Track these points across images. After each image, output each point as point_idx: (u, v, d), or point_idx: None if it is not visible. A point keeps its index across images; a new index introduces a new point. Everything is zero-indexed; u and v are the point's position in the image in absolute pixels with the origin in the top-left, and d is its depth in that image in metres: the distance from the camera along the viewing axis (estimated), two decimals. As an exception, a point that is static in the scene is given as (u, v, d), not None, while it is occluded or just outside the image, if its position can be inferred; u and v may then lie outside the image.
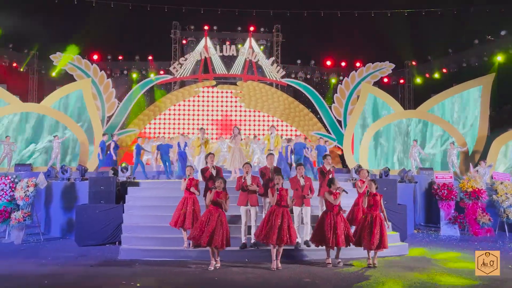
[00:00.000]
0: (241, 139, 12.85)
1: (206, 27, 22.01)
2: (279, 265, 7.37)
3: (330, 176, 8.48)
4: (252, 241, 8.18)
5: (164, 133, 20.20)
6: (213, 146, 15.61)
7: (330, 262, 7.59)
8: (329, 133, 20.55)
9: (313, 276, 6.91)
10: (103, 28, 20.40)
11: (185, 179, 8.35)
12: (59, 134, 16.31)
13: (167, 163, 13.28)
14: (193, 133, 19.96)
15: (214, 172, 8.48)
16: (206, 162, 8.79)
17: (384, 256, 7.98)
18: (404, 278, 6.82)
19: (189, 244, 8.07)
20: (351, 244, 7.61)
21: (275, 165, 8.93)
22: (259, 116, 21.59)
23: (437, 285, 6.48)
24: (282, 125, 21.54)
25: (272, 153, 9.31)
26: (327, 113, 20.89)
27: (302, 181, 8.14)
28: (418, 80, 22.29)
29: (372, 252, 7.61)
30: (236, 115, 21.50)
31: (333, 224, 7.42)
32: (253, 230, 8.13)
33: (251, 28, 22.21)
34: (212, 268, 7.23)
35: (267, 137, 13.27)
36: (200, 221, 7.30)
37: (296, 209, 8.12)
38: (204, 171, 8.65)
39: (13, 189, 9.97)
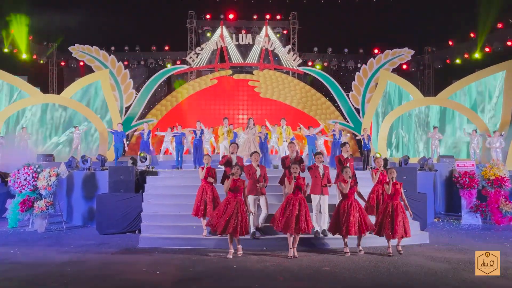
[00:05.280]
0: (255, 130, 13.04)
1: (222, 16, 21.89)
2: (296, 253, 7.37)
3: (348, 164, 8.40)
4: (260, 226, 8.19)
5: (180, 124, 20.28)
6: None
7: (348, 251, 7.54)
8: (347, 121, 20.31)
9: (332, 265, 6.87)
10: (120, 19, 20.52)
11: (203, 168, 8.37)
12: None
13: (179, 153, 13.32)
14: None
15: (234, 161, 8.49)
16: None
17: (404, 245, 7.88)
18: (425, 267, 6.73)
19: (209, 232, 8.12)
20: (369, 232, 7.54)
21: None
22: (275, 105, 21.46)
23: (459, 273, 6.38)
24: (299, 114, 21.37)
25: (293, 142, 9.23)
26: (345, 101, 20.62)
27: (321, 170, 8.07)
28: (458, 61, 21.08)
29: (394, 241, 7.53)
30: (252, 104, 21.42)
31: (346, 212, 7.36)
32: (263, 216, 8.18)
33: (267, 16, 21.99)
34: (231, 256, 7.27)
35: (279, 130, 13.27)
36: (218, 209, 7.35)
37: (315, 198, 8.06)
38: (222, 157, 8.72)
39: (35, 178, 10.19)
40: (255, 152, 8.47)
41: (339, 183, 7.56)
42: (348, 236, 7.46)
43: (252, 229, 8.10)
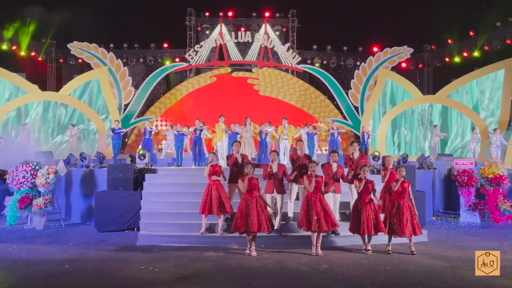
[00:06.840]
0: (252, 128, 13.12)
1: (221, 14, 21.85)
2: (320, 251, 7.37)
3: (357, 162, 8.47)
4: (276, 227, 8.17)
5: (180, 121, 20.23)
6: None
7: (370, 248, 7.55)
8: (346, 119, 20.31)
9: (331, 263, 6.88)
10: (119, 16, 20.48)
11: (207, 166, 8.37)
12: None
13: (179, 150, 13.34)
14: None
15: (239, 159, 8.49)
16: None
17: (402, 243, 7.89)
18: (423, 265, 6.74)
19: (223, 230, 8.15)
20: (380, 232, 7.55)
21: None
22: (274, 103, 21.42)
23: (457, 271, 6.39)
24: (298, 112, 21.36)
25: (301, 140, 9.22)
26: (344, 99, 20.62)
27: (334, 168, 8.10)
28: (457, 59, 21.06)
29: (397, 239, 7.55)
30: (251, 102, 21.39)
31: (364, 211, 7.40)
32: (278, 217, 8.14)
33: (266, 14, 21.95)
34: (249, 252, 7.28)
35: (281, 130, 13.28)
36: (240, 210, 7.28)
37: (327, 196, 8.06)
38: (228, 157, 8.70)
39: (34, 176, 10.16)
40: (274, 151, 8.46)
41: (355, 181, 7.61)
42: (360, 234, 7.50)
43: None
